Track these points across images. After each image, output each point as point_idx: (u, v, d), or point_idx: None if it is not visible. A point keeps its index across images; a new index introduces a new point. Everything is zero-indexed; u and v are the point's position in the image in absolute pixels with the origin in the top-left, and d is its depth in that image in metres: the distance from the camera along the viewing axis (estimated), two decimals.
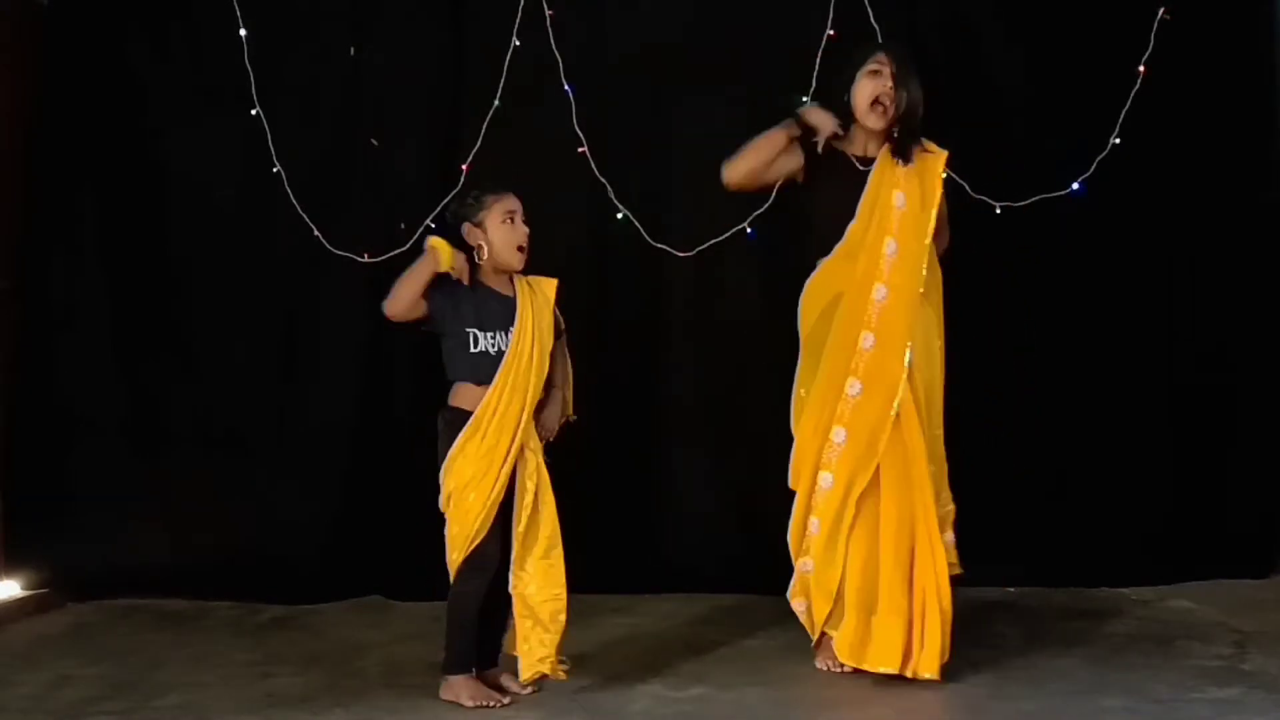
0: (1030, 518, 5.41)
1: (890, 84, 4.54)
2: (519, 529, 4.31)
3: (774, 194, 5.32)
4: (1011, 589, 5.41)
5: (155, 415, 5.81)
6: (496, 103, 5.61)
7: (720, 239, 5.53)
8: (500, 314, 4.36)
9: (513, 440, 4.29)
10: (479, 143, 5.61)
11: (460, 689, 4.31)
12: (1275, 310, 5.56)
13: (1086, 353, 5.51)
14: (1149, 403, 5.53)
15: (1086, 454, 5.52)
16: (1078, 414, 5.51)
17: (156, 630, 5.36)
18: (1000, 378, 5.24)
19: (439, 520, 5.55)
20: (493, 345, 4.33)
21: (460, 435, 4.29)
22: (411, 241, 5.61)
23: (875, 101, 4.55)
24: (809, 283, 4.63)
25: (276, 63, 5.75)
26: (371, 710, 4.29)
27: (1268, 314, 5.56)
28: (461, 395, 4.34)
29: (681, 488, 5.68)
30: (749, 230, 5.52)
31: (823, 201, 4.63)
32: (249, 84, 5.71)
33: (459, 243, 4.38)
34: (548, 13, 5.60)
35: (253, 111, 5.71)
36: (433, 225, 5.62)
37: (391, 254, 5.65)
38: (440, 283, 4.33)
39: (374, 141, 5.72)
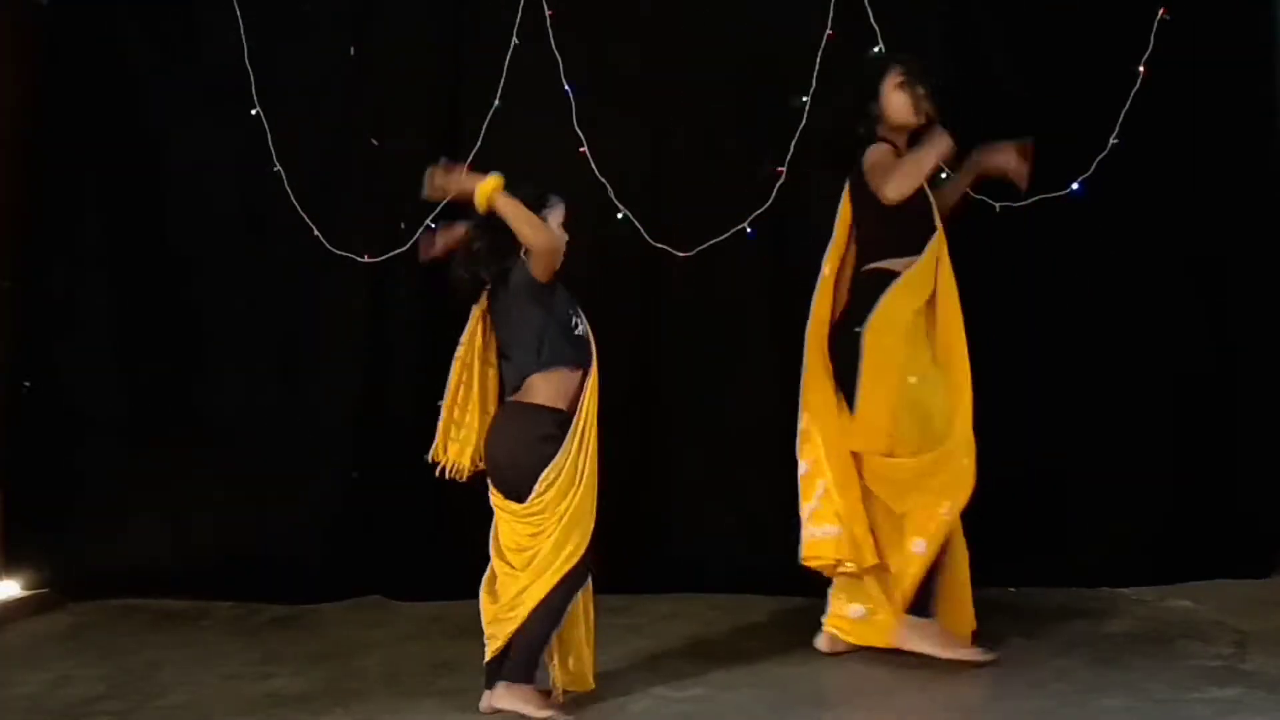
0: (1030, 517, 5.40)
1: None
2: None
3: (774, 194, 5.31)
4: (1012, 589, 5.40)
5: (155, 415, 5.82)
6: (496, 103, 5.61)
7: (720, 239, 5.52)
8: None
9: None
10: (479, 143, 5.61)
11: (530, 697, 4.19)
12: (1275, 309, 5.55)
13: (1086, 353, 5.50)
14: (1149, 403, 5.52)
15: (1087, 454, 5.51)
16: (1077, 414, 5.49)
17: (156, 630, 5.37)
18: (1000, 378, 5.21)
19: (439, 520, 5.58)
20: (582, 329, 4.31)
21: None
22: (411, 241, 5.62)
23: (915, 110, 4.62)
24: (897, 289, 4.60)
25: (276, 63, 5.75)
26: (371, 710, 4.29)
27: (1268, 313, 5.55)
28: (555, 384, 4.23)
29: (681, 488, 5.67)
30: (749, 230, 5.51)
31: (904, 212, 4.62)
32: (249, 84, 5.71)
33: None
34: (548, 13, 5.60)
35: (253, 111, 5.71)
36: (433, 225, 5.62)
37: (391, 254, 5.65)
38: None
39: (374, 141, 5.72)
